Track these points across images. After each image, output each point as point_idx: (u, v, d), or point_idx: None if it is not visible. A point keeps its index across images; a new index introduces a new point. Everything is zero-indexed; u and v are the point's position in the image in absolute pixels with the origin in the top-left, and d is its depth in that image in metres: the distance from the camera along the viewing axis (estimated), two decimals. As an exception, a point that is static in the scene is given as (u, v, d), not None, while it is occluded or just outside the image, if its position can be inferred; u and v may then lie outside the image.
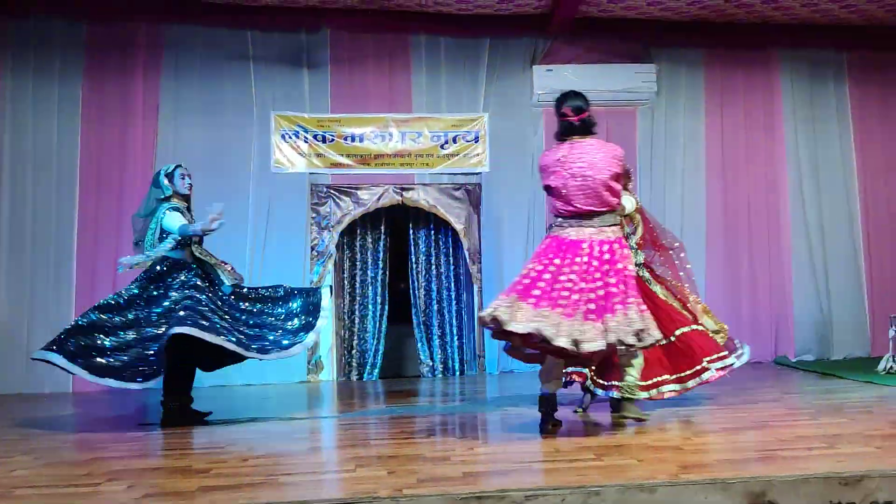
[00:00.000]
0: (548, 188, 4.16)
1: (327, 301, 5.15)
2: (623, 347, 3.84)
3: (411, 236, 8.16)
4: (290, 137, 7.73)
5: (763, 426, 4.06)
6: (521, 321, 3.77)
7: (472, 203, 7.92)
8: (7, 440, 4.45)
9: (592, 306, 3.83)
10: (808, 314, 8.07)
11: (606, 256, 3.99)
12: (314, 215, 7.76)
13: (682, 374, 4.68)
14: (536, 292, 3.87)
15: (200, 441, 4.33)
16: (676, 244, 5.30)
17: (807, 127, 8.35)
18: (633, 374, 4.33)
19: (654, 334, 3.88)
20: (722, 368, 4.74)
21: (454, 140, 7.89)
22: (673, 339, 4.71)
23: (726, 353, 4.83)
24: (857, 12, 7.80)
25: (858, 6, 7.64)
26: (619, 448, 3.59)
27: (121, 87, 7.53)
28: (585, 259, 3.98)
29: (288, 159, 7.72)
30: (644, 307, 3.92)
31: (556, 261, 3.99)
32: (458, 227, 7.86)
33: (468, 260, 7.86)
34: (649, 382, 4.58)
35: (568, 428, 4.27)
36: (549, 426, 4.08)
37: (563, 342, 3.71)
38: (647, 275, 4.93)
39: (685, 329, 4.78)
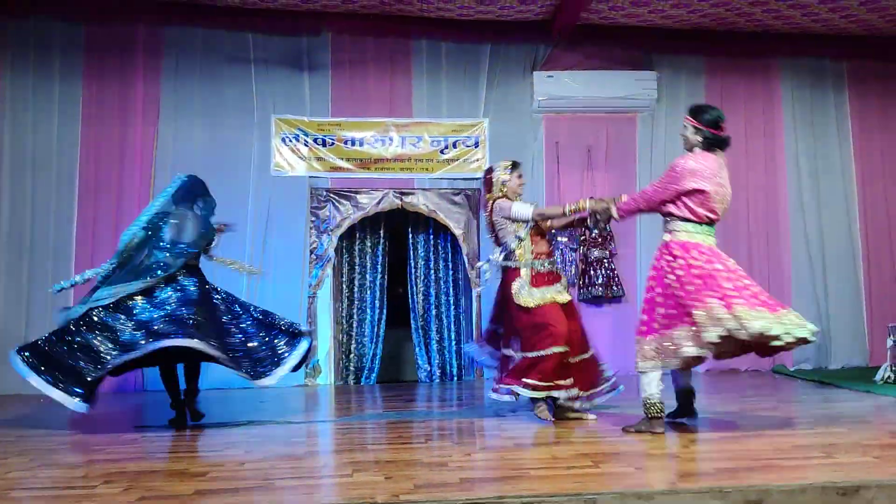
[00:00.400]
0: (695, 192, 4.18)
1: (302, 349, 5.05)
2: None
3: (410, 241, 8.16)
4: (290, 141, 7.73)
5: (760, 435, 4.05)
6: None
7: (471, 208, 7.92)
8: (3, 441, 4.43)
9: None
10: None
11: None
12: (313, 219, 7.75)
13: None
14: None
15: (197, 444, 4.32)
16: None
17: (807, 135, 8.38)
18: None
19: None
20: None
21: (454, 145, 7.90)
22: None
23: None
24: (857, 22, 7.82)
25: (859, 16, 7.66)
26: (616, 455, 3.59)
27: (121, 89, 7.54)
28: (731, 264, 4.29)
29: (288, 163, 7.72)
30: None
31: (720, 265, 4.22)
32: (458, 232, 7.86)
33: (467, 265, 7.85)
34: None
35: (565, 435, 4.27)
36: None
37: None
38: None
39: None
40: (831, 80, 8.49)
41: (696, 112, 4.31)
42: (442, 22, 7.82)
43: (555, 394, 4.75)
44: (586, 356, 4.94)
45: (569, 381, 4.79)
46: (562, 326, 4.77)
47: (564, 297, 4.91)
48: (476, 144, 7.93)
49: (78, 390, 4.55)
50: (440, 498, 2.75)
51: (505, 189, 5.04)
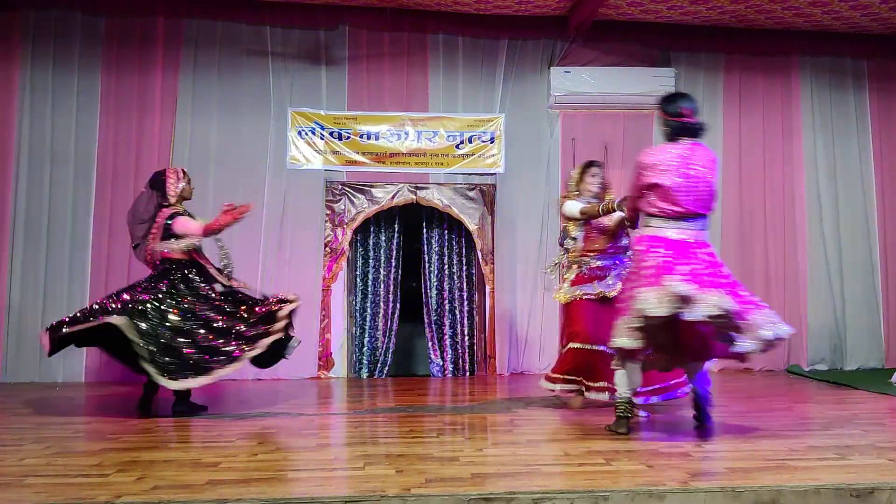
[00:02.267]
0: (652, 186, 4.02)
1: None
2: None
3: (425, 235, 8.16)
4: (306, 134, 7.75)
5: (774, 435, 4.03)
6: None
7: (486, 204, 7.91)
8: (19, 429, 4.48)
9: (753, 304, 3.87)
10: (822, 323, 8.02)
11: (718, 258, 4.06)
12: (328, 212, 7.77)
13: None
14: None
15: (210, 434, 4.35)
16: None
17: (825, 134, 8.31)
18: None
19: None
20: None
21: (470, 140, 7.89)
22: None
23: None
24: (878, 20, 7.75)
25: (880, 14, 7.59)
26: (628, 453, 3.58)
27: (139, 81, 7.58)
28: (705, 256, 3.98)
29: (304, 156, 7.74)
30: None
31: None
32: (472, 227, 7.85)
33: (481, 261, 7.85)
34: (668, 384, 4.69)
35: (578, 432, 4.26)
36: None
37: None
38: None
39: None
40: (852, 79, 8.41)
41: (662, 102, 4.18)
42: (459, 16, 7.81)
43: (588, 394, 4.97)
44: None
45: (601, 384, 4.85)
46: (581, 325, 4.83)
47: (602, 293, 4.94)
48: (492, 140, 7.91)
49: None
50: (451, 492, 2.75)
51: (577, 189, 5.24)
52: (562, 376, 5.06)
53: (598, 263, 5.07)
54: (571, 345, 4.97)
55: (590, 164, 5.31)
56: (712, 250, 4.07)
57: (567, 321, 5.07)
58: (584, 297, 4.98)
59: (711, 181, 4.05)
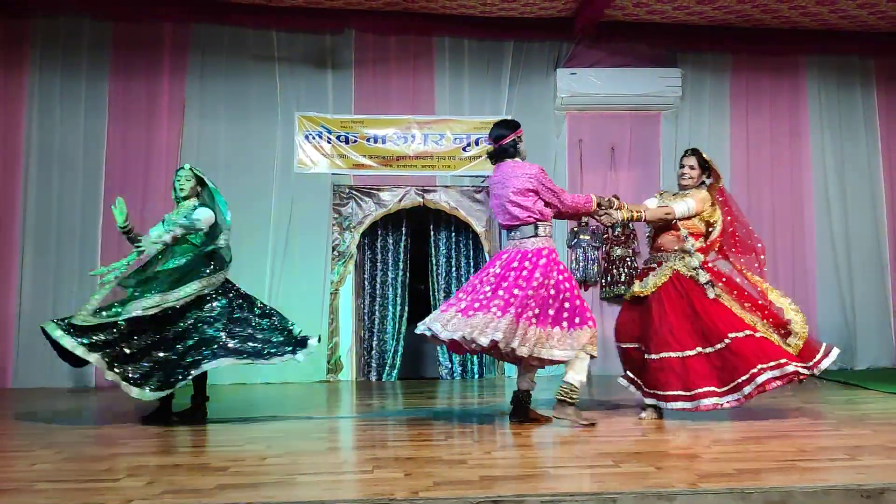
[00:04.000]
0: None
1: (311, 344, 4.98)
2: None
3: (432, 238, 8.16)
4: (313, 138, 7.76)
5: (784, 436, 4.02)
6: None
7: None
8: (29, 434, 4.50)
9: (477, 305, 4.39)
10: (831, 322, 7.98)
11: (514, 264, 4.49)
12: (336, 216, 7.78)
13: (728, 386, 4.50)
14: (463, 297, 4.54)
15: (219, 439, 4.36)
16: (759, 245, 5.05)
17: (833, 133, 8.28)
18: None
19: (482, 340, 4.26)
20: (783, 376, 4.42)
21: (476, 142, 7.89)
22: (722, 345, 4.54)
23: (785, 360, 4.45)
24: (886, 19, 7.71)
25: (888, 13, 7.55)
26: (637, 455, 3.57)
27: (147, 86, 7.61)
28: (498, 268, 4.54)
29: (311, 160, 7.76)
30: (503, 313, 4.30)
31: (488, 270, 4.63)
32: (480, 229, 7.86)
33: (489, 263, 7.84)
34: (690, 393, 4.54)
35: (587, 434, 4.26)
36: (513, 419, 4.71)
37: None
38: (716, 290, 4.67)
39: (738, 335, 4.53)
40: (859, 78, 8.38)
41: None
42: (464, 19, 7.82)
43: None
44: (682, 354, 4.63)
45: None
46: (618, 322, 5.04)
47: (640, 291, 4.91)
48: (498, 142, 7.89)
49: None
50: (460, 495, 2.75)
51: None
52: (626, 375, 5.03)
53: (649, 262, 5.05)
54: (616, 343, 5.06)
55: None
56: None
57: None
58: (632, 295, 5.00)
59: (505, 194, 4.64)
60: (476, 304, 4.39)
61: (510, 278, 4.43)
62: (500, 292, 4.38)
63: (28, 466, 3.45)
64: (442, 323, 4.43)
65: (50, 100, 7.50)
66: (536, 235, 4.55)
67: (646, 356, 4.73)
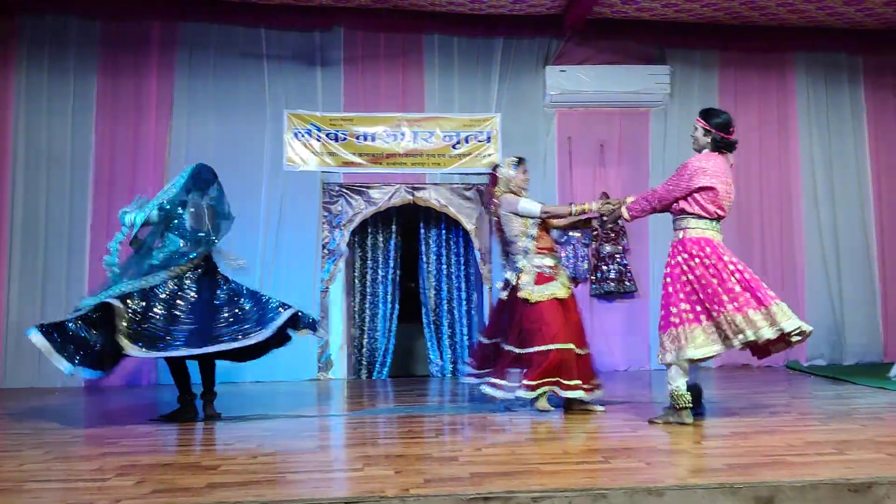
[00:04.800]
0: (705, 189, 4.35)
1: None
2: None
3: (422, 236, 8.17)
4: (302, 136, 7.75)
5: (773, 431, 4.04)
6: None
7: (483, 203, 7.90)
8: (17, 434, 4.48)
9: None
10: (820, 318, 8.01)
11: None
12: (326, 214, 7.77)
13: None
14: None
15: (210, 438, 4.35)
16: None
17: (821, 130, 8.32)
18: None
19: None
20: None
21: (466, 140, 7.89)
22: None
23: None
24: (872, 16, 7.76)
25: (875, 10, 7.60)
26: (627, 451, 3.58)
27: (135, 85, 7.58)
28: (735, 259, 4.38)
29: (300, 158, 7.74)
30: None
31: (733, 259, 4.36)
32: (469, 227, 7.86)
33: (479, 260, 7.85)
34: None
35: (576, 430, 4.27)
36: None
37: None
38: None
39: None
40: (847, 75, 8.43)
41: (707, 115, 4.50)
42: (454, 16, 7.82)
43: (563, 393, 4.81)
44: (586, 351, 5.00)
45: (574, 382, 4.81)
46: (555, 326, 4.81)
47: (564, 293, 4.96)
48: (488, 139, 7.92)
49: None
50: (450, 492, 2.75)
51: (511, 185, 5.12)
52: (549, 380, 4.84)
53: (551, 262, 5.05)
54: (550, 346, 4.85)
55: (521, 159, 5.29)
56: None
57: (537, 320, 4.87)
58: (553, 297, 4.95)
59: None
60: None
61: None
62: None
63: (17, 466, 3.44)
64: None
65: (37, 99, 7.46)
66: None
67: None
